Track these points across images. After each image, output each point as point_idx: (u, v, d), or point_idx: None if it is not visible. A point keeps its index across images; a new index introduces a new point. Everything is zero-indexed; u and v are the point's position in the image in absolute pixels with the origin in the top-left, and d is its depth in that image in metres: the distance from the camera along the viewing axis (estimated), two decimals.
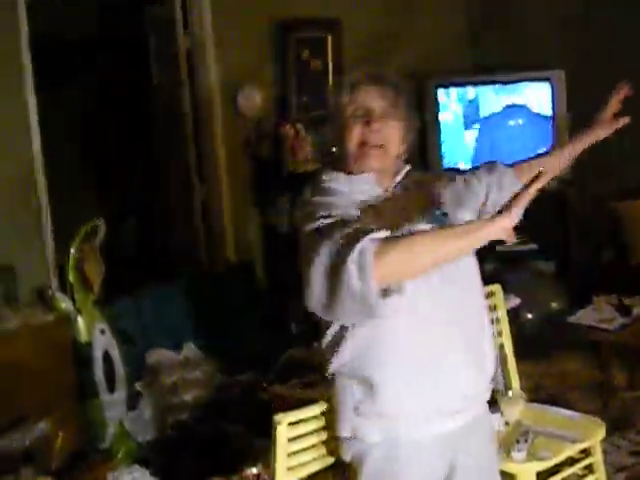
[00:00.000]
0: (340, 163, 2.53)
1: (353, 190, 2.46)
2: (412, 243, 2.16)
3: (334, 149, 2.57)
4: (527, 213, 2.18)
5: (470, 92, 6.27)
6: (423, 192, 2.58)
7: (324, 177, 2.53)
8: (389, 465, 2.42)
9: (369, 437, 2.43)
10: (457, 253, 2.21)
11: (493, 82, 6.30)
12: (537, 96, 6.23)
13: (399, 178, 2.55)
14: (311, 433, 2.76)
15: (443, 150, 6.25)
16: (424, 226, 2.40)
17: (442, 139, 6.24)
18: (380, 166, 2.48)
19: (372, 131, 2.45)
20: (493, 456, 2.68)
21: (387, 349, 2.36)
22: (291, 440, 2.71)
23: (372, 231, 2.16)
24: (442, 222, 2.47)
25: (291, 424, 2.69)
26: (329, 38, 5.93)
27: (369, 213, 2.38)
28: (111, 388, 4.40)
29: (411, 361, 2.37)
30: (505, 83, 6.29)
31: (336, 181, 2.49)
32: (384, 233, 2.17)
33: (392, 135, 2.48)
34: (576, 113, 6.25)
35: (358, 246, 2.11)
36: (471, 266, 2.53)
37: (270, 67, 5.77)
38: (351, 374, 2.43)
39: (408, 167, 2.59)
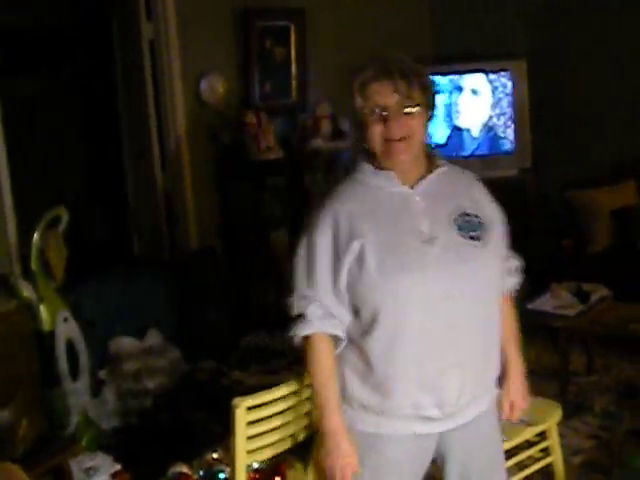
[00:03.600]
0: (373, 157, 2.49)
1: (377, 184, 2.47)
2: (312, 367, 2.47)
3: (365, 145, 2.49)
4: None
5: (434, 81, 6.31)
6: (456, 191, 2.53)
7: (356, 167, 2.53)
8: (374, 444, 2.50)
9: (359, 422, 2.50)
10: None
11: (455, 72, 6.36)
12: (498, 85, 6.30)
13: (431, 176, 2.49)
14: (270, 417, 2.80)
15: None
16: (449, 233, 2.42)
17: None
18: (409, 158, 2.44)
19: (392, 127, 2.39)
20: (492, 454, 2.69)
21: (394, 353, 2.41)
22: (250, 424, 2.75)
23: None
24: (473, 228, 2.45)
25: (250, 408, 2.72)
26: (292, 27, 5.94)
27: (381, 216, 2.42)
28: (74, 376, 4.41)
29: (407, 364, 2.41)
30: (467, 72, 6.35)
31: (363, 173, 2.50)
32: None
33: (413, 124, 2.41)
34: (536, 102, 6.35)
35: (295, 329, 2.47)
36: (487, 280, 2.47)
37: (233, 55, 5.77)
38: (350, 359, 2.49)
39: (444, 167, 2.53)
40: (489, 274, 2.47)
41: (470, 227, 2.45)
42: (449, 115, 6.35)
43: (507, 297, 2.66)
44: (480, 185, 2.59)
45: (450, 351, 2.41)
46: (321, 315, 2.43)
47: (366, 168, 2.49)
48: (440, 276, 2.37)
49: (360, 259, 2.37)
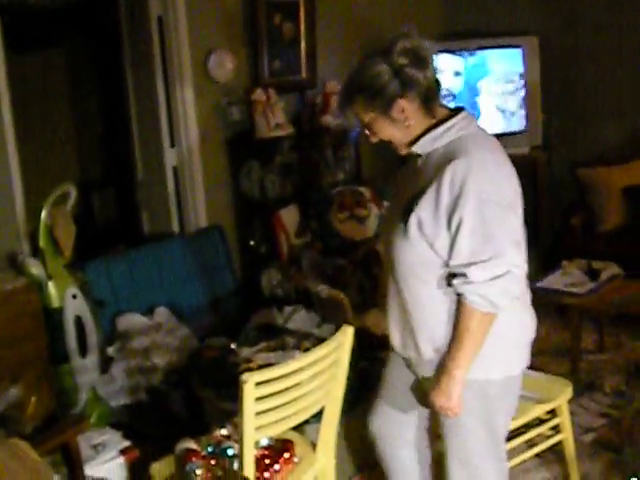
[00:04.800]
0: None
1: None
2: None
3: None
4: None
5: (445, 59, 6.26)
6: (429, 171, 2.62)
7: None
8: None
9: None
10: None
11: (466, 49, 6.31)
12: (509, 62, 6.26)
13: (422, 157, 2.70)
14: (279, 393, 2.79)
15: None
16: (400, 212, 2.65)
17: None
18: (406, 150, 2.72)
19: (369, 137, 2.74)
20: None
21: None
22: (259, 400, 2.73)
23: None
24: (405, 213, 2.62)
25: (259, 384, 2.71)
26: (302, 2, 5.89)
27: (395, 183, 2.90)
28: (83, 353, 4.41)
29: None
30: (478, 49, 6.30)
31: None
32: None
33: (378, 131, 2.68)
34: (548, 79, 6.31)
35: None
36: (400, 262, 2.68)
37: (242, 31, 5.72)
38: None
39: (436, 142, 2.64)
40: (401, 258, 2.67)
41: (406, 211, 2.61)
42: (467, 89, 6.30)
43: (462, 299, 2.57)
44: (449, 169, 2.53)
45: (388, 303, 2.81)
46: None
47: None
48: (385, 244, 2.76)
49: None
